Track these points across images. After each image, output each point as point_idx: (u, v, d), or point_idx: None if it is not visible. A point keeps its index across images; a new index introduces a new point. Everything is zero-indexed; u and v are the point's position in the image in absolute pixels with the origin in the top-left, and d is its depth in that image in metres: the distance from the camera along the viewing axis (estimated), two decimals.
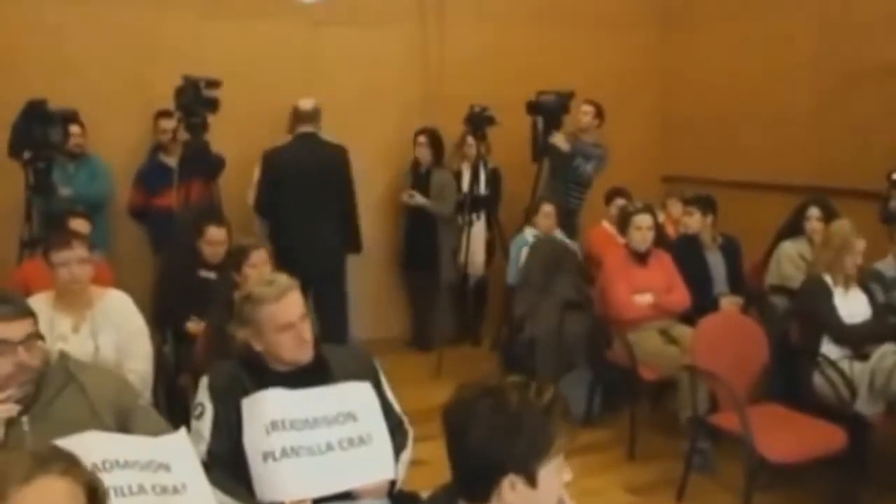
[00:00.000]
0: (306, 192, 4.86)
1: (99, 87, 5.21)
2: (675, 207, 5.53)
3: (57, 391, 2.25)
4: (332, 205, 4.97)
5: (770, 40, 6.07)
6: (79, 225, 4.08)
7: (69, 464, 1.47)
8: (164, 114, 5.19)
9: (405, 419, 2.60)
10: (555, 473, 1.51)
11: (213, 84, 4.74)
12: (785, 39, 5.95)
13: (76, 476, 1.46)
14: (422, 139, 5.94)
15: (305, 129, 4.98)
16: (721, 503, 3.71)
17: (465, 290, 6.08)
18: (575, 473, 1.58)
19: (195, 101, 4.72)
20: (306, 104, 5.01)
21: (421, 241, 5.98)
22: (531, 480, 1.48)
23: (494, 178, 6.04)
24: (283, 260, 4.34)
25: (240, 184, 5.40)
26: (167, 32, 5.47)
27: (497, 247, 5.98)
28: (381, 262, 6.30)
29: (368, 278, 6.10)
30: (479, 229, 5.96)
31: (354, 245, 5.21)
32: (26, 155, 4.40)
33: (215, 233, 4.22)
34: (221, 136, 5.00)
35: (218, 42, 5.52)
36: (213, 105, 4.75)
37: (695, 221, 4.90)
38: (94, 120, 5.07)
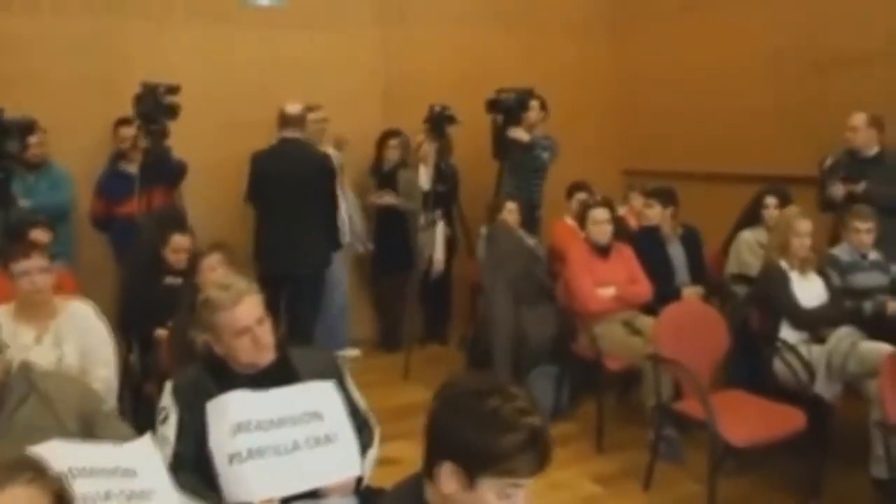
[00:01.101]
0: (286, 196, 4.95)
1: (59, 96, 5.15)
2: (638, 200, 5.59)
3: (20, 401, 2.25)
4: (313, 207, 5.06)
5: (727, 33, 6.15)
6: (39, 235, 4.05)
7: (36, 473, 1.48)
8: (123, 122, 5.15)
9: (371, 417, 2.62)
10: (498, 495, 1.50)
11: (172, 90, 4.72)
12: (742, 32, 6.03)
13: (43, 485, 1.47)
14: (393, 142, 6.01)
15: (288, 133, 5.05)
16: (687, 491, 3.76)
17: (428, 287, 6.11)
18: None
19: (154, 107, 4.70)
20: (292, 108, 5.08)
21: (392, 242, 6.01)
22: (469, 481, 1.49)
23: (452, 176, 6.07)
24: (265, 258, 4.98)
25: (203, 190, 5.38)
26: (126, 40, 5.43)
27: (460, 244, 6.02)
28: (347, 264, 6.31)
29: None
30: (438, 227, 6.01)
31: (336, 244, 5.40)
32: None
33: (179, 240, 4.23)
34: (184, 142, 4.97)
35: (178, 49, 5.49)
36: (172, 111, 4.73)
37: (655, 214, 4.97)
38: (55, 129, 5.00)
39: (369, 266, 6.27)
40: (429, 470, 1.55)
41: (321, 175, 5.11)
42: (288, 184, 4.94)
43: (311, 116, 5.34)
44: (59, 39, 5.26)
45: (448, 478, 1.51)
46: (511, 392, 1.52)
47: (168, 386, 2.42)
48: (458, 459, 1.49)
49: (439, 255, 5.98)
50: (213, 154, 5.43)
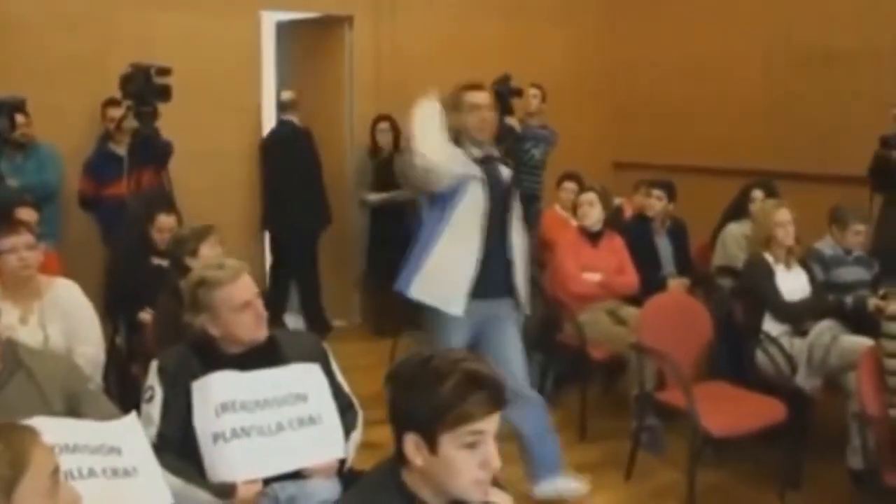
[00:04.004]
0: (282, 168, 5.76)
1: (49, 76, 5.13)
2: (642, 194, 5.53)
3: (6, 378, 2.26)
4: (303, 177, 5.81)
5: (718, 27, 6.19)
6: (26, 214, 4.02)
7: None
8: (111, 102, 5.13)
9: (355, 400, 2.64)
10: (462, 447, 1.51)
11: (164, 72, 4.71)
12: (735, 27, 6.08)
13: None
14: (383, 126, 6.07)
15: (284, 116, 5.87)
16: (668, 479, 3.81)
17: None
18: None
19: (146, 89, 4.69)
20: (285, 95, 5.92)
21: (387, 227, 6.08)
22: (431, 445, 1.51)
23: None
24: (269, 224, 5.99)
25: (192, 173, 5.36)
26: (117, 21, 5.41)
27: None
28: (338, 250, 6.34)
29: (326, 267, 6.14)
30: None
31: (323, 216, 5.97)
32: None
33: (165, 220, 4.21)
34: (173, 125, 4.95)
35: (168, 31, 5.47)
36: (164, 93, 4.72)
37: (659, 205, 4.99)
38: (45, 108, 4.96)
39: (364, 251, 6.31)
40: (399, 453, 1.57)
41: (305, 153, 5.83)
42: (283, 160, 5.74)
43: (469, 100, 3.63)
44: (49, 19, 5.23)
45: (413, 450, 1.53)
46: (451, 350, 1.59)
47: (154, 366, 2.43)
48: (414, 427, 1.52)
49: None
50: (203, 137, 5.43)
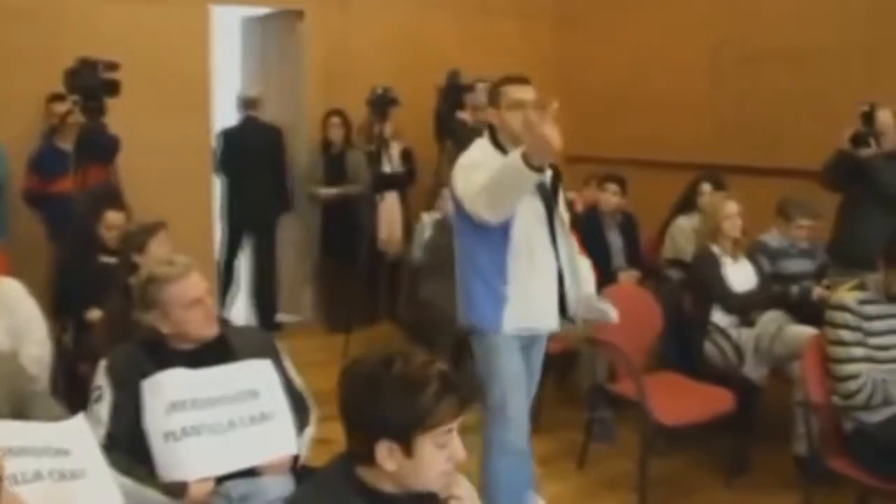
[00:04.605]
0: (246, 162, 5.89)
1: None
2: (592, 187, 5.57)
3: None
4: (266, 171, 5.96)
5: (667, 26, 6.27)
6: None
7: None
8: (56, 97, 5.03)
9: (308, 396, 2.63)
10: (435, 447, 1.54)
11: (112, 66, 4.63)
12: (681, 26, 6.16)
13: None
14: (335, 120, 6.04)
15: (249, 112, 5.97)
16: (620, 468, 3.86)
17: (378, 269, 6.12)
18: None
19: (94, 84, 4.61)
20: (250, 92, 6.08)
21: (340, 223, 6.06)
22: (407, 449, 1.53)
23: (408, 159, 6.19)
24: (230, 214, 6.09)
25: (141, 168, 5.28)
26: (66, 13, 5.30)
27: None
28: (292, 246, 6.31)
29: (280, 262, 6.11)
30: (394, 208, 6.03)
31: (285, 203, 6.16)
32: None
33: (113, 217, 4.15)
34: (121, 120, 4.87)
35: (118, 25, 5.37)
36: (112, 88, 4.64)
37: (615, 199, 5.04)
38: None
39: (316, 246, 6.27)
40: (362, 455, 1.57)
41: (274, 144, 6.03)
42: (246, 152, 5.87)
43: (511, 95, 3.18)
44: None
45: (387, 456, 1.54)
46: (408, 351, 1.58)
47: (102, 365, 2.40)
48: (389, 435, 1.53)
49: (396, 235, 6.02)
50: (153, 132, 5.34)
